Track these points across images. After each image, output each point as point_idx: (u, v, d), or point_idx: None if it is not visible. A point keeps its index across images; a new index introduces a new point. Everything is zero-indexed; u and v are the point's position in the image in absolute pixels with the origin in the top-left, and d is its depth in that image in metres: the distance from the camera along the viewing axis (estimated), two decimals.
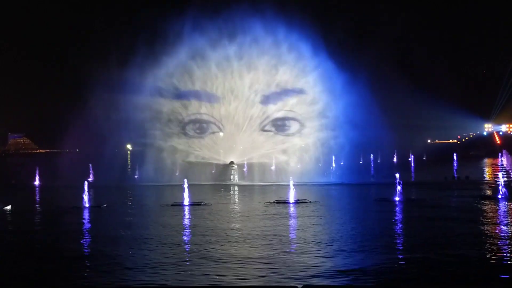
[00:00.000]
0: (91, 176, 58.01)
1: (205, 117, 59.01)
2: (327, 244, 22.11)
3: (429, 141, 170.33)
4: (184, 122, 58.59)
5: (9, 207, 35.68)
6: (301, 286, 16.26)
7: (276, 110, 58.25)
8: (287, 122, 58.30)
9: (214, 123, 58.96)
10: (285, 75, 57.93)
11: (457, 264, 18.57)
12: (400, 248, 21.81)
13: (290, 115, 58.17)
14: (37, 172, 59.51)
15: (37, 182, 58.58)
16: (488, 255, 19.79)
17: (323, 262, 19.13)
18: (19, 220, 32.05)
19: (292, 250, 21.36)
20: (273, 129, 58.45)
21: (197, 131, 59.09)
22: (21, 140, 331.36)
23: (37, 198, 46.85)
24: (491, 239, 22.93)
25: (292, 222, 28.85)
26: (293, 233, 25.56)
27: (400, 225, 27.66)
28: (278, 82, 57.96)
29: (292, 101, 58.23)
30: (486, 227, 26.02)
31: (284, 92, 58.10)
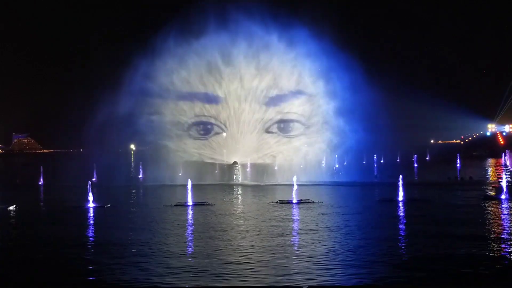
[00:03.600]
0: (94, 176, 58.20)
1: (209, 119, 59.16)
2: (329, 245, 22.17)
3: (432, 141, 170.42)
4: (188, 123, 58.77)
5: (13, 207, 35.82)
6: (306, 286, 16.38)
7: (280, 112, 58.32)
8: (290, 124, 58.41)
9: (218, 125, 59.08)
10: (289, 77, 57.94)
11: (460, 264, 18.62)
12: (403, 251, 21.85)
13: (294, 117, 58.25)
14: (41, 172, 59.76)
15: (41, 182, 58.79)
16: (491, 254, 19.87)
17: (326, 262, 19.20)
18: (23, 220, 32.09)
19: (296, 250, 21.40)
20: (277, 130, 58.56)
21: (201, 132, 59.33)
22: (25, 140, 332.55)
23: (41, 198, 46.99)
24: (494, 240, 22.96)
25: (295, 222, 28.87)
26: (296, 232, 25.59)
27: (403, 227, 27.66)
28: (282, 84, 58.00)
29: (295, 102, 58.26)
30: (488, 227, 26.01)
31: (288, 94, 58.17)
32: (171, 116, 58.79)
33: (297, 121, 58.25)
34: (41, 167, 61.03)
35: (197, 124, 59.10)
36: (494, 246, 21.56)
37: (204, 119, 59.24)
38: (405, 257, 20.15)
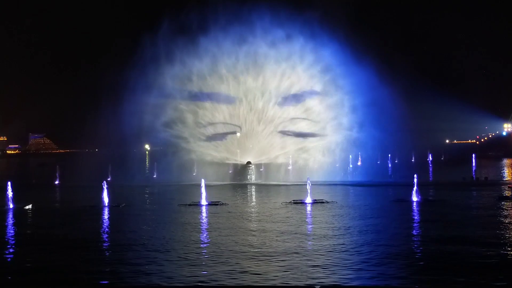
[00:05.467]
0: (109, 175, 58.58)
1: (223, 119, 59.38)
2: (342, 246, 22.13)
3: (447, 141, 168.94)
4: (202, 124, 59.03)
5: (29, 206, 36.24)
6: (318, 286, 16.40)
7: (294, 112, 58.34)
8: (305, 124, 58.42)
9: (231, 125, 59.27)
10: (304, 77, 57.93)
11: (472, 267, 18.52)
12: (417, 253, 21.75)
13: (308, 117, 58.25)
14: (57, 171, 60.35)
15: (57, 182, 59.34)
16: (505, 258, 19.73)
17: (339, 262, 19.19)
18: (39, 219, 32.44)
19: (308, 251, 21.39)
20: (291, 130, 58.57)
21: (215, 132, 59.53)
22: (42, 140, 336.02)
23: (57, 197, 47.44)
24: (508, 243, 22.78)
25: (308, 223, 28.85)
26: (309, 233, 25.55)
27: (417, 228, 27.51)
28: (297, 84, 58.01)
29: (310, 103, 58.24)
30: (502, 229, 25.79)
31: (303, 94, 58.18)
32: (185, 116, 59.03)
33: (311, 121, 58.20)
34: (57, 167, 61.65)
35: (211, 124, 59.34)
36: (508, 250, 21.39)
37: (218, 119, 59.44)
38: (418, 259, 20.04)
